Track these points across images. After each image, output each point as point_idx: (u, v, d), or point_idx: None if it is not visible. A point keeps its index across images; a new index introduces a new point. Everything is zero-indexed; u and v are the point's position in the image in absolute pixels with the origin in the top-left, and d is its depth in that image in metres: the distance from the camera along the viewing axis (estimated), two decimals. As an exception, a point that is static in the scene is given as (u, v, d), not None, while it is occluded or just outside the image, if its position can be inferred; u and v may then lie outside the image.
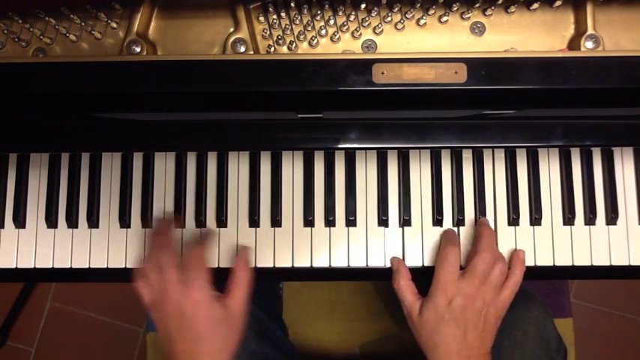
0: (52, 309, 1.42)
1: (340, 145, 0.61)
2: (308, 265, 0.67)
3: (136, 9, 0.63)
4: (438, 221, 0.68)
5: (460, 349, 0.59)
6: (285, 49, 0.64)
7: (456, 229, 0.68)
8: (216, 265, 0.67)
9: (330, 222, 0.68)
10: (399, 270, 0.65)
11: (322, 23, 0.63)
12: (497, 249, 0.65)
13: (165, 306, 0.59)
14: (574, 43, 0.63)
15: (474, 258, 0.62)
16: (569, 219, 0.67)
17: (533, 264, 0.67)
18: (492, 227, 0.67)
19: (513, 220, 0.68)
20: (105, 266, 0.68)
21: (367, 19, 0.63)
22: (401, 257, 0.67)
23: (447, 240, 0.65)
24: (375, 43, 0.64)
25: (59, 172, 0.69)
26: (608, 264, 0.67)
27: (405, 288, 0.64)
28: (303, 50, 0.64)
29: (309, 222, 0.68)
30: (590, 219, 0.67)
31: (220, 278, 0.66)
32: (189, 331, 0.59)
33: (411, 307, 0.63)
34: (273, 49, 0.64)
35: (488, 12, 0.64)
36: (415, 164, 0.69)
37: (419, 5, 0.63)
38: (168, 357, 0.61)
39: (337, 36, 0.64)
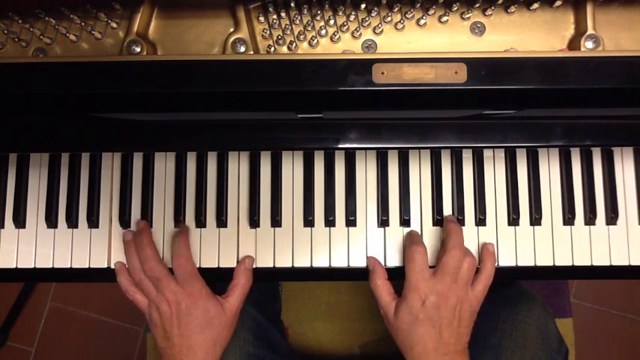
0: (52, 309, 1.42)
1: (340, 145, 0.61)
2: (308, 265, 0.67)
3: (136, 9, 0.63)
4: (438, 221, 0.68)
5: (436, 347, 0.60)
6: (285, 49, 0.64)
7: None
8: (216, 265, 0.67)
9: (330, 222, 0.67)
10: (375, 269, 0.65)
11: (322, 23, 0.63)
12: (464, 245, 0.65)
13: (164, 306, 0.62)
14: (574, 43, 0.63)
15: (443, 256, 0.62)
16: (569, 219, 0.67)
17: (533, 264, 0.67)
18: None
19: (513, 220, 0.68)
20: (105, 266, 0.68)
21: (367, 19, 0.63)
22: (400, 258, 0.67)
23: (411, 240, 0.65)
24: (375, 43, 0.64)
25: (59, 172, 0.69)
26: (608, 264, 0.67)
27: (381, 287, 0.64)
28: (303, 50, 0.64)
29: (309, 222, 0.68)
30: (590, 219, 0.67)
31: (219, 278, 0.66)
32: (187, 326, 0.62)
33: (386, 307, 0.63)
34: (273, 49, 0.64)
35: (488, 12, 0.64)
36: (415, 164, 0.69)
37: (419, 5, 0.63)
38: (162, 354, 0.63)
39: (337, 36, 0.64)
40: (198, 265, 0.66)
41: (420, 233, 0.68)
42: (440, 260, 0.63)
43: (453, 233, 0.64)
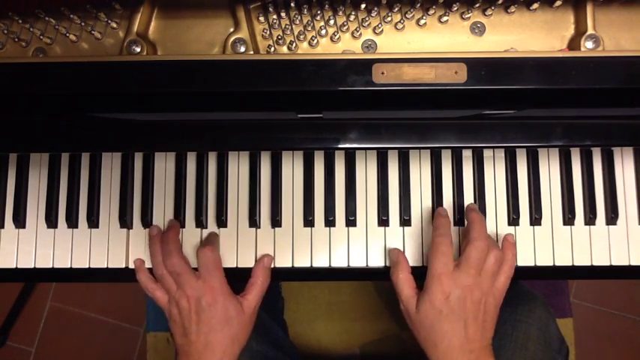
0: (52, 309, 1.42)
1: (340, 145, 0.61)
2: (308, 265, 0.67)
3: (136, 9, 0.63)
4: (438, 221, 0.68)
5: (462, 344, 0.57)
6: (285, 49, 0.64)
7: (456, 228, 0.68)
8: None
9: (330, 222, 0.67)
10: (399, 261, 0.63)
11: (322, 23, 0.63)
12: (489, 235, 0.63)
13: (184, 302, 0.62)
14: (574, 43, 0.63)
15: (467, 247, 0.60)
16: (569, 219, 0.67)
17: (533, 264, 0.67)
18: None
19: (513, 220, 0.68)
20: (105, 266, 0.68)
21: (367, 19, 0.63)
22: (401, 257, 0.67)
23: (438, 230, 0.63)
24: (375, 43, 0.64)
25: (59, 172, 0.69)
26: (608, 264, 0.67)
27: (404, 281, 0.61)
28: (303, 50, 0.64)
29: (309, 222, 0.68)
30: (590, 219, 0.67)
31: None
32: (207, 323, 0.61)
33: (407, 302, 0.60)
34: (273, 49, 0.64)
35: (488, 12, 0.64)
36: (415, 164, 0.69)
37: (419, 5, 0.63)
38: (179, 351, 0.62)
39: (337, 36, 0.64)
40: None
41: (419, 234, 0.67)
42: (463, 252, 0.60)
43: (475, 224, 0.62)
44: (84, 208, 0.69)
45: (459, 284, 0.58)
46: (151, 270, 0.66)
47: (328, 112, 0.61)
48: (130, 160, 0.69)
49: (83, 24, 0.63)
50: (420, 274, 0.65)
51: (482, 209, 0.68)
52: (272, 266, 0.67)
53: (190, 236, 0.68)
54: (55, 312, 1.42)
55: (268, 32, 0.64)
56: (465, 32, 0.64)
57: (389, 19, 0.63)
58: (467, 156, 0.69)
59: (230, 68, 0.57)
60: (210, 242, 0.65)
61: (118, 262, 0.68)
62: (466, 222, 0.65)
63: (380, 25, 0.63)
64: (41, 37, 0.63)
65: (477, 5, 0.63)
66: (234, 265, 0.67)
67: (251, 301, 0.64)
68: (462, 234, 0.67)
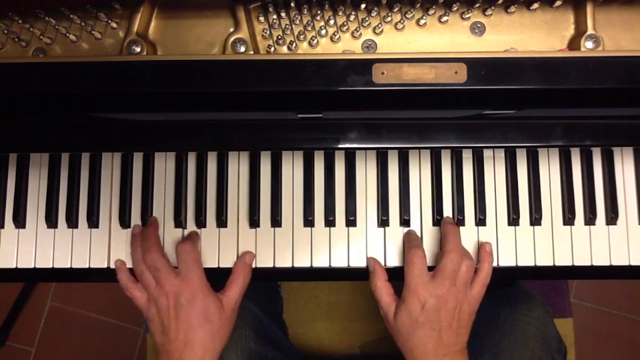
0: (52, 309, 1.42)
1: (340, 145, 0.61)
2: (308, 265, 0.67)
3: (136, 9, 0.63)
4: (438, 221, 0.68)
5: (436, 349, 0.60)
6: (285, 49, 0.64)
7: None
8: (216, 265, 0.67)
9: (330, 222, 0.67)
10: (375, 270, 0.65)
11: (322, 23, 0.63)
12: (462, 246, 0.65)
13: (162, 299, 0.62)
14: (574, 43, 0.63)
15: (442, 259, 0.63)
16: (569, 219, 0.67)
17: (533, 264, 0.67)
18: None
19: (513, 220, 0.68)
20: (105, 266, 0.68)
21: (367, 19, 0.63)
22: (400, 258, 0.67)
23: (410, 243, 0.65)
24: (375, 43, 0.64)
25: (59, 172, 0.69)
26: (608, 264, 0.67)
27: (381, 289, 0.64)
28: (303, 50, 0.64)
29: (309, 222, 0.68)
30: (590, 219, 0.67)
31: (219, 278, 0.66)
32: (186, 320, 0.61)
33: (387, 309, 0.63)
34: (273, 49, 0.64)
35: (488, 12, 0.64)
36: (415, 164, 0.69)
37: (419, 5, 0.63)
38: (160, 351, 0.62)
39: (337, 36, 0.64)
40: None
41: (419, 234, 0.68)
42: (438, 263, 0.63)
43: (450, 235, 0.64)
44: (84, 208, 0.69)
45: (433, 294, 0.61)
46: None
47: (328, 112, 0.61)
48: (130, 160, 0.69)
49: (83, 24, 0.63)
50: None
51: (482, 209, 0.68)
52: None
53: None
54: (55, 312, 1.42)
55: (268, 32, 0.64)
56: (465, 32, 0.64)
57: (389, 19, 0.63)
58: (467, 156, 0.69)
59: (230, 68, 0.57)
60: (190, 238, 0.66)
61: (118, 262, 0.68)
62: (441, 234, 0.67)
63: (380, 25, 0.63)
64: (41, 37, 0.63)
65: (477, 5, 0.63)
66: (233, 265, 0.67)
67: (231, 298, 0.64)
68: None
